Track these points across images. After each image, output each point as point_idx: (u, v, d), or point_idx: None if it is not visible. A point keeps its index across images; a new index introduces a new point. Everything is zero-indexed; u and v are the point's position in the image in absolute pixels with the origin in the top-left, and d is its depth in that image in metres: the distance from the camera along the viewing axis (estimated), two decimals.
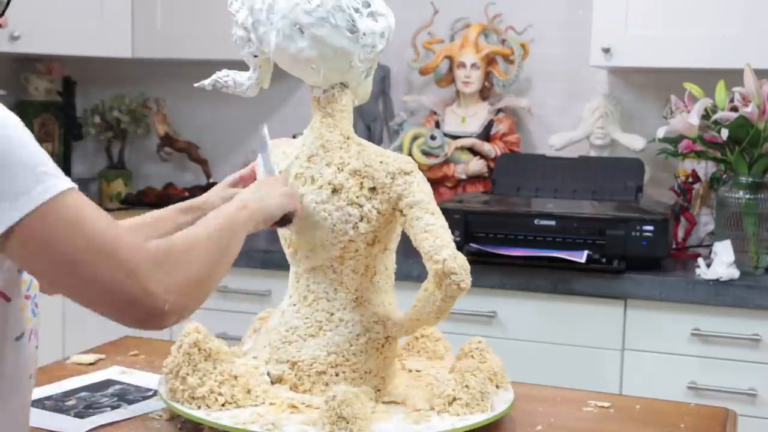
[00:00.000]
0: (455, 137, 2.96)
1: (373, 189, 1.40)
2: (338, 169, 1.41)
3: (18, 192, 0.98)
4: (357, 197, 1.40)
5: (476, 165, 2.93)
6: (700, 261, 2.44)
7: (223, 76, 1.51)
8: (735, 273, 2.37)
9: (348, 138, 1.44)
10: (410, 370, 1.54)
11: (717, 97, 2.46)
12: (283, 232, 1.47)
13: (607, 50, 2.66)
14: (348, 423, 1.27)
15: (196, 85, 1.53)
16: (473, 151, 2.96)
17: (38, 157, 1.01)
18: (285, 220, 1.39)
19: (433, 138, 2.91)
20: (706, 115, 2.45)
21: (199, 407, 1.35)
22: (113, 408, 1.45)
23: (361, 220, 1.40)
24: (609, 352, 2.46)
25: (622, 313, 2.44)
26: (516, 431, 1.41)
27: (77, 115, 3.56)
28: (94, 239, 1.01)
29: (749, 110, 2.36)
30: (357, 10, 1.38)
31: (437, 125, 3.02)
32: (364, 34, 1.38)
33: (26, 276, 1.14)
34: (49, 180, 1.00)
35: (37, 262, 1.03)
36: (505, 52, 2.99)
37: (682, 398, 2.29)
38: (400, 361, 1.56)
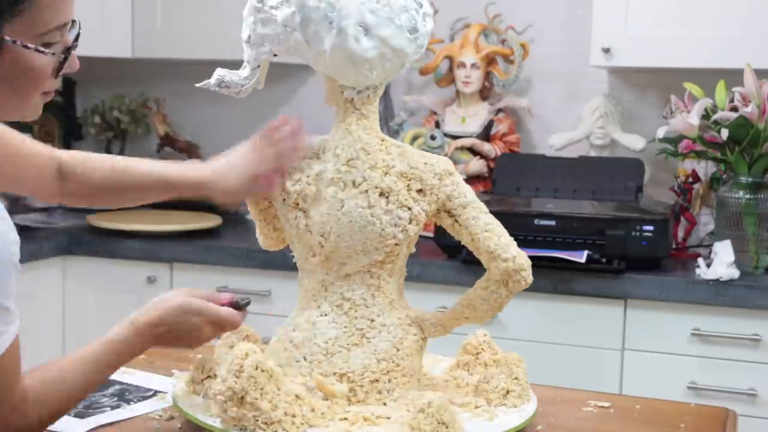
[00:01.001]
0: (455, 137, 2.96)
1: (420, 191, 1.39)
2: (384, 172, 1.38)
3: None
4: (406, 200, 1.38)
5: (476, 165, 2.93)
6: (700, 261, 2.44)
7: (225, 74, 1.48)
8: (735, 273, 2.37)
9: (383, 140, 1.42)
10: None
11: (717, 97, 2.46)
12: (309, 240, 1.40)
13: (607, 50, 2.66)
14: (448, 428, 1.26)
15: (198, 85, 1.51)
16: (473, 151, 2.96)
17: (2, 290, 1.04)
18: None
19: (433, 138, 2.91)
20: (706, 115, 2.46)
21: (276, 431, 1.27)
22: (113, 408, 1.45)
23: (410, 222, 1.38)
24: (609, 352, 2.46)
25: (622, 313, 2.44)
26: (516, 431, 1.41)
27: (77, 115, 3.56)
28: None
29: (749, 110, 2.36)
30: (417, 11, 1.37)
31: (437, 125, 3.02)
32: (421, 35, 1.38)
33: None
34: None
35: None
36: (505, 52, 2.99)
37: (682, 398, 2.30)
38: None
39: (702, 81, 2.54)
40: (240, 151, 1.45)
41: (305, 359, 1.39)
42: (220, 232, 2.96)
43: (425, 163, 1.40)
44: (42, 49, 1.08)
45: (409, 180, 1.39)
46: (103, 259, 2.85)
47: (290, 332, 1.43)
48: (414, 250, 1.47)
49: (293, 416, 1.27)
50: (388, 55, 1.35)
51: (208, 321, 1.30)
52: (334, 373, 1.37)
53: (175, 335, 1.29)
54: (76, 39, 1.13)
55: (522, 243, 2.45)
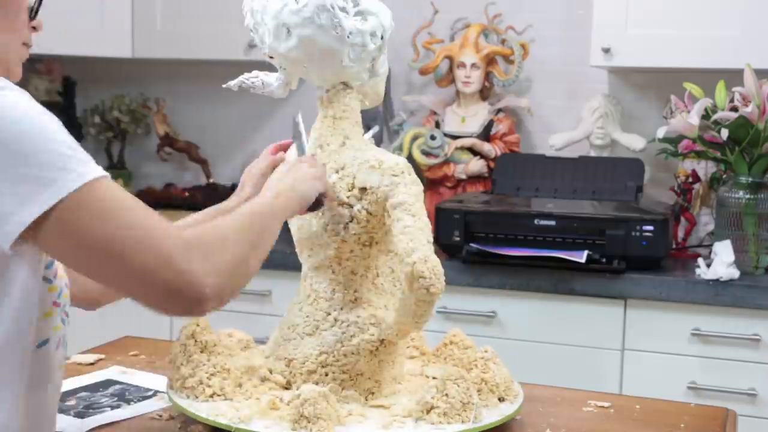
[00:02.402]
0: (455, 137, 2.96)
1: (363, 189, 1.40)
2: (333, 170, 1.42)
3: (48, 180, 0.97)
4: (347, 197, 1.41)
5: (476, 165, 2.93)
6: (700, 261, 2.44)
7: (252, 77, 1.51)
8: (735, 273, 2.37)
9: (347, 139, 1.44)
10: (427, 377, 1.52)
11: (717, 97, 2.46)
12: (292, 231, 1.48)
13: (607, 50, 2.66)
14: (309, 422, 1.28)
15: (224, 86, 1.53)
16: (473, 151, 2.96)
17: (67, 144, 1.00)
18: (317, 203, 1.37)
19: (433, 138, 2.91)
20: (706, 115, 2.45)
21: (188, 397, 1.37)
22: (113, 408, 1.45)
23: (351, 220, 1.41)
24: (609, 352, 2.46)
25: (622, 313, 2.44)
26: (515, 431, 1.41)
27: (77, 115, 3.56)
28: (129, 228, 0.99)
29: (749, 110, 2.36)
30: (343, 9, 1.38)
31: (437, 125, 3.02)
32: (350, 33, 1.38)
33: (56, 283, 1.13)
34: (79, 167, 0.99)
35: (71, 253, 1.01)
36: (505, 52, 2.99)
37: (682, 398, 2.30)
38: (423, 366, 1.56)
39: (702, 81, 2.54)
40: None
41: (273, 341, 1.49)
42: None
43: (372, 165, 1.41)
44: None
45: (353, 179, 1.41)
46: None
47: (284, 317, 1.51)
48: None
49: (207, 386, 1.37)
50: (316, 54, 1.39)
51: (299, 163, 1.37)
52: (284, 358, 1.45)
53: (291, 171, 1.34)
54: None
55: (522, 243, 2.51)
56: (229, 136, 3.44)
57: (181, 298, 1.01)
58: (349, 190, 1.41)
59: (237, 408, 1.34)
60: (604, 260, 2.45)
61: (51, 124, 1.00)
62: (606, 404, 1.54)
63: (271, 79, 1.50)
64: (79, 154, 1.00)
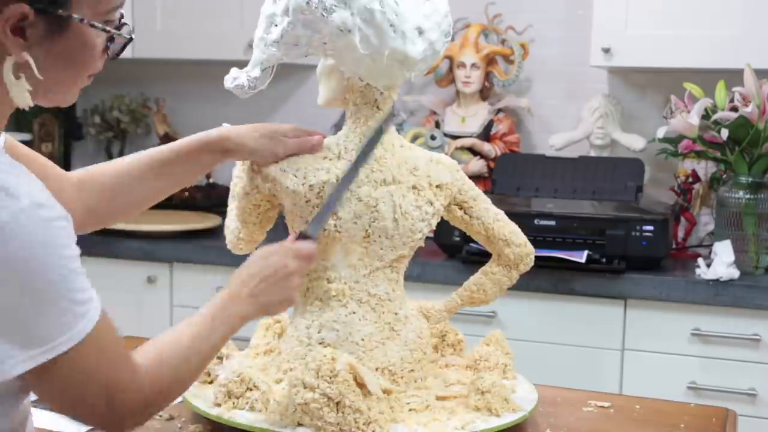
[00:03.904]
0: (455, 137, 2.96)
1: (438, 186, 1.44)
2: (409, 170, 1.42)
3: (46, 336, 0.97)
4: (430, 196, 1.43)
5: (476, 165, 2.93)
6: (700, 261, 2.44)
7: (233, 77, 1.46)
8: (735, 273, 2.37)
9: (399, 138, 1.47)
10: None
11: (717, 97, 2.46)
12: (338, 241, 1.41)
13: (607, 50, 2.66)
14: (508, 403, 1.39)
15: (227, 87, 1.49)
16: (473, 151, 2.96)
17: (70, 283, 0.98)
18: None
19: (433, 138, 2.91)
20: (706, 115, 2.46)
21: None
22: None
23: (433, 216, 1.44)
24: (609, 352, 2.46)
25: (622, 313, 2.44)
26: (516, 431, 1.41)
27: (77, 115, 3.56)
28: (106, 387, 1.03)
29: (749, 110, 2.36)
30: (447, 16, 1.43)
31: (437, 125, 3.02)
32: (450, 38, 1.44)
33: None
34: (77, 323, 0.98)
35: (48, 398, 1.04)
36: (505, 52, 2.99)
37: (682, 398, 2.30)
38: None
39: (702, 81, 2.54)
40: (258, 126, 1.43)
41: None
42: (220, 231, 2.93)
43: (436, 160, 1.46)
44: (107, 28, 1.06)
45: (429, 176, 1.44)
46: (103, 259, 2.85)
47: (314, 334, 1.41)
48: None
49: (382, 413, 1.31)
50: (430, 57, 1.42)
51: (285, 255, 1.27)
52: (377, 369, 1.39)
53: (267, 280, 1.25)
54: (121, 21, 1.10)
55: None
56: None
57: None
58: (430, 187, 1.43)
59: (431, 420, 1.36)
60: (604, 260, 2.45)
61: (55, 259, 0.97)
62: (606, 404, 1.54)
63: (254, 72, 1.43)
64: (77, 293, 0.99)
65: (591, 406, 1.54)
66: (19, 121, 3.38)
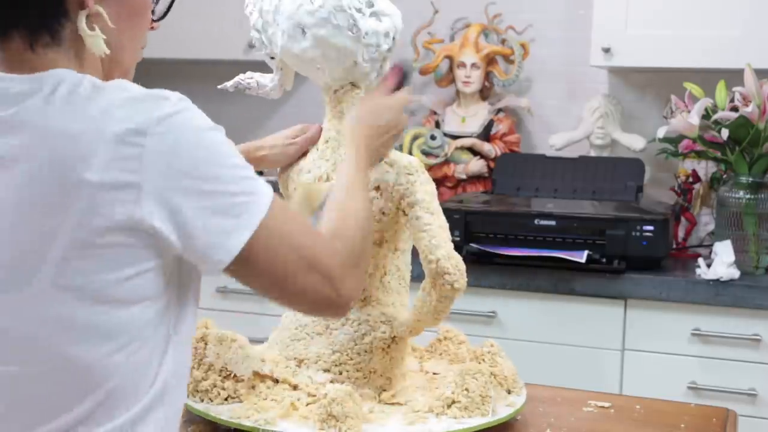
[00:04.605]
0: (455, 137, 2.96)
1: (377, 188, 1.42)
2: None
3: (238, 209, 0.99)
4: (372, 197, 1.41)
5: (476, 165, 2.93)
6: (701, 261, 2.44)
7: (247, 77, 1.52)
8: (735, 273, 2.37)
9: None
10: (427, 372, 1.54)
11: (717, 97, 2.46)
12: None
13: (607, 50, 2.66)
14: (338, 421, 1.28)
15: (220, 87, 1.54)
16: (473, 151, 2.95)
17: (242, 162, 1.03)
18: None
19: (433, 138, 2.91)
20: (706, 115, 2.45)
21: (202, 400, 1.37)
22: None
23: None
24: (609, 352, 2.46)
25: (622, 313, 2.44)
26: (516, 431, 1.41)
27: None
28: (301, 252, 1.04)
29: (749, 110, 2.36)
30: (359, 10, 1.40)
31: (437, 125, 3.02)
32: (366, 33, 1.40)
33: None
34: (258, 190, 1.02)
35: (259, 280, 1.05)
36: (505, 52, 2.99)
37: (682, 398, 2.29)
38: (421, 362, 1.57)
39: (702, 81, 2.54)
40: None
41: (280, 342, 1.47)
42: None
43: (390, 163, 1.42)
44: None
45: (375, 177, 1.42)
46: None
47: (282, 318, 1.51)
48: (403, 248, 1.49)
49: (222, 389, 1.38)
50: (332, 54, 1.40)
51: (399, 111, 1.37)
52: (294, 358, 1.44)
53: (384, 136, 1.34)
54: None
55: (522, 243, 2.51)
56: (229, 136, 3.43)
57: (335, 308, 1.11)
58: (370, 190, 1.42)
59: (258, 410, 1.34)
60: (604, 260, 2.44)
61: (223, 144, 1.03)
62: (606, 404, 1.54)
63: (266, 80, 1.52)
64: (250, 170, 1.03)
65: (591, 406, 1.54)
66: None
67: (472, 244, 2.50)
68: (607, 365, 2.46)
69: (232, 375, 1.38)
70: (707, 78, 2.56)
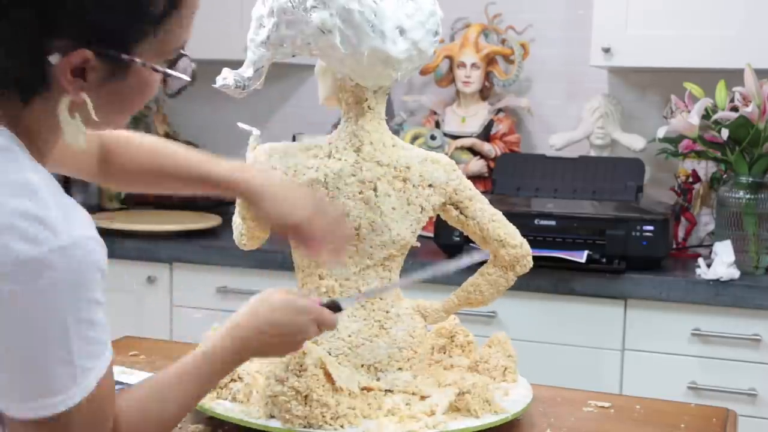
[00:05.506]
0: (455, 137, 2.96)
1: (431, 185, 1.45)
2: (400, 169, 1.44)
3: (53, 390, 0.93)
4: (421, 194, 1.44)
5: (476, 165, 2.93)
6: (701, 261, 2.44)
7: (230, 74, 1.48)
8: (735, 273, 2.37)
9: (392, 138, 1.47)
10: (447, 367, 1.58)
11: (717, 97, 2.46)
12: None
13: (607, 50, 2.66)
14: (491, 405, 1.38)
15: (215, 86, 1.51)
16: (473, 151, 2.95)
17: (74, 343, 0.93)
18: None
19: (433, 138, 2.91)
20: (706, 115, 2.45)
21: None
22: None
23: (423, 215, 1.45)
24: (609, 352, 2.46)
25: (622, 313, 2.44)
26: (516, 431, 1.41)
27: None
28: None
29: (749, 110, 2.36)
30: (438, 15, 1.43)
31: (437, 125, 3.02)
32: (439, 37, 1.44)
33: None
34: (81, 380, 0.94)
35: None
36: (505, 52, 2.99)
37: (682, 398, 2.30)
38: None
39: (702, 81, 2.54)
40: (299, 189, 1.37)
41: (330, 354, 1.40)
42: (220, 232, 2.96)
43: (432, 160, 1.46)
44: (168, 71, 1.03)
45: (421, 175, 1.44)
46: None
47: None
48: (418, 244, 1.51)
49: (353, 409, 1.32)
50: (415, 56, 1.41)
51: (313, 320, 1.21)
52: (362, 365, 1.41)
53: (283, 337, 1.20)
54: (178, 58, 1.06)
55: None
56: (229, 136, 3.43)
57: None
58: (423, 188, 1.44)
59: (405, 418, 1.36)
60: (604, 260, 2.44)
61: (63, 321, 0.92)
62: (606, 404, 1.54)
63: (248, 72, 1.44)
64: (79, 351, 0.93)
65: (591, 406, 1.54)
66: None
67: (472, 245, 2.50)
68: (607, 365, 2.46)
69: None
70: (707, 78, 2.56)
